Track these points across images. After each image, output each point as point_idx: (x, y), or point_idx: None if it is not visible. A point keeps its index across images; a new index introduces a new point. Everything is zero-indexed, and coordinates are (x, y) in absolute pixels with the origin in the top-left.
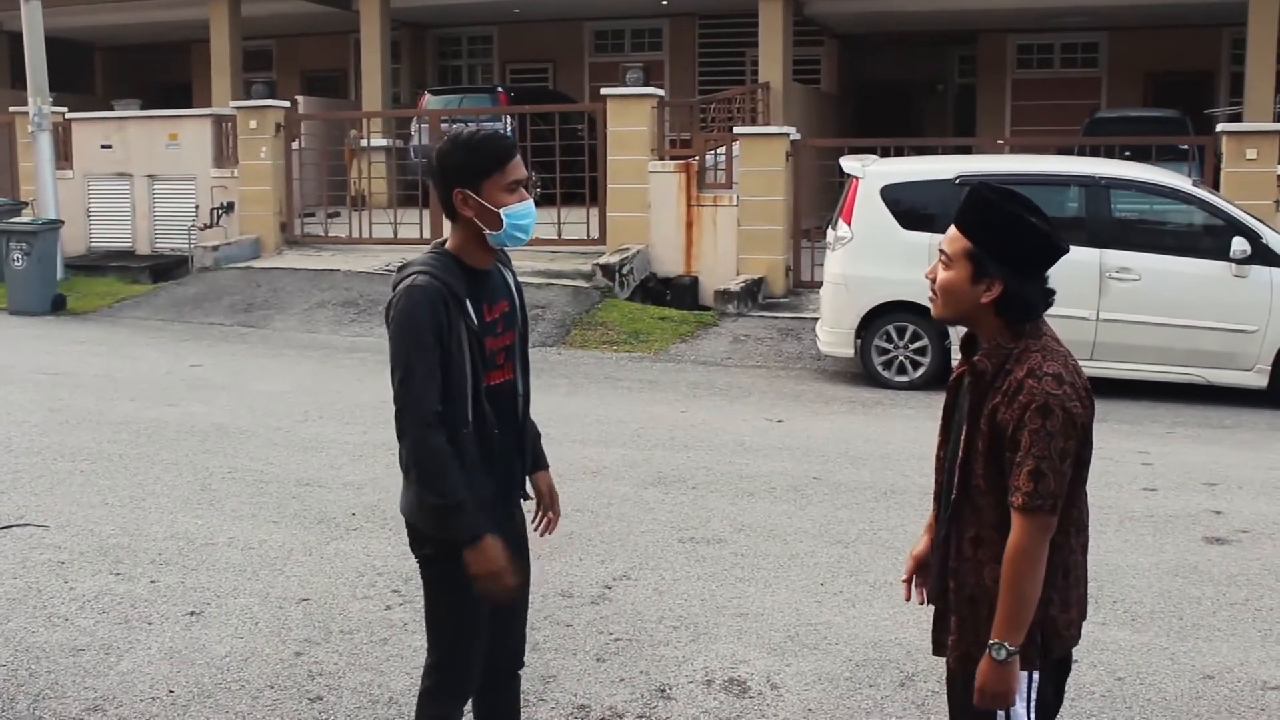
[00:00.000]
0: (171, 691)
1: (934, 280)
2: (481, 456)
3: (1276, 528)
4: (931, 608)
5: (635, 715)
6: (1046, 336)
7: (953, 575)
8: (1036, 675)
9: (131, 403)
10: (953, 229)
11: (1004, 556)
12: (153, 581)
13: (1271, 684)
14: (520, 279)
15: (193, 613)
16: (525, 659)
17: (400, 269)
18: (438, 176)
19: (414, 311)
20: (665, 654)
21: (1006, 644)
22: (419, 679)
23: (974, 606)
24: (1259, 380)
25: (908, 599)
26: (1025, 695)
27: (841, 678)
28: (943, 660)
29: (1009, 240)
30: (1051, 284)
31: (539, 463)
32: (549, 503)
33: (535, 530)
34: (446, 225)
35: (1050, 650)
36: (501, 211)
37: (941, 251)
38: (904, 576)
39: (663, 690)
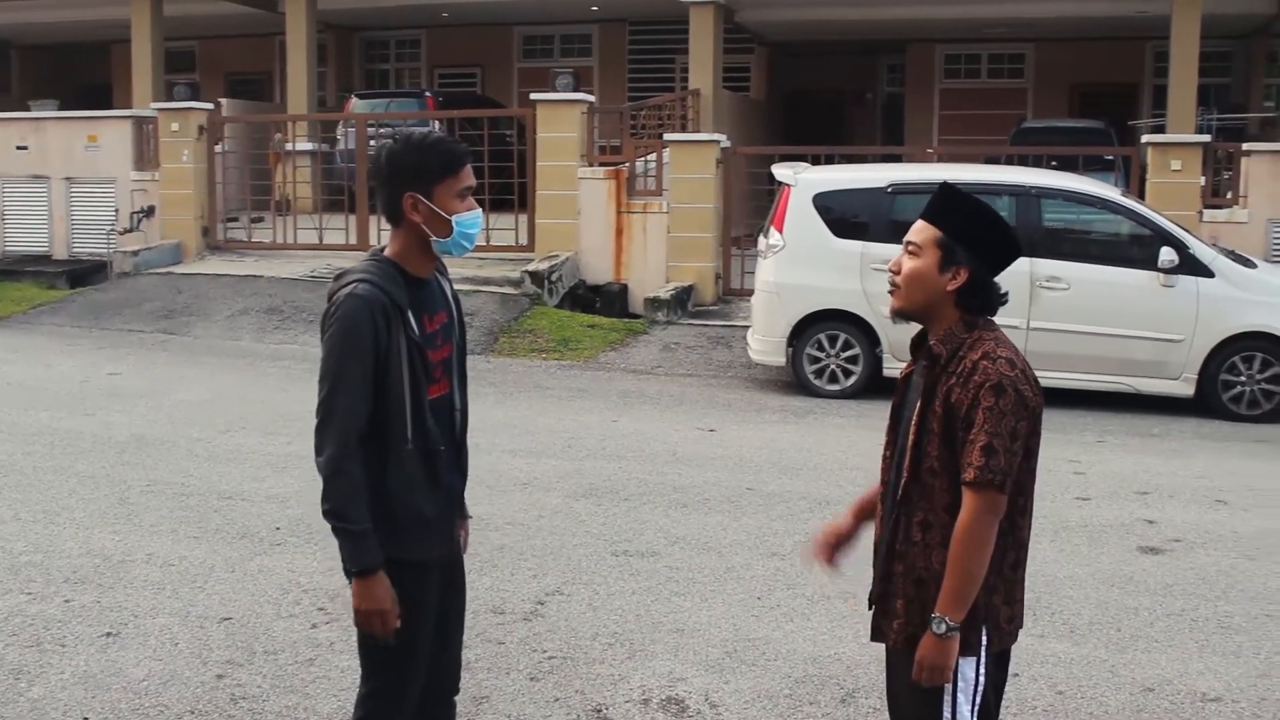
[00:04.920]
0: (86, 718)
1: (897, 272)
2: (425, 474)
3: (1209, 537)
4: (864, 614)
5: None
6: (999, 330)
7: (900, 559)
8: (981, 666)
9: (46, 412)
10: (919, 222)
11: (953, 533)
12: (67, 601)
13: (1211, 695)
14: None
15: (109, 634)
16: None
17: (338, 277)
18: (385, 178)
19: (353, 322)
20: (601, 672)
21: (948, 619)
22: (347, 702)
23: (921, 588)
24: (1186, 389)
25: (816, 559)
26: (970, 689)
27: (781, 695)
28: (883, 677)
29: (978, 229)
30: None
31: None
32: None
33: None
34: (373, 231)
35: (991, 643)
36: (453, 219)
37: (909, 243)
38: (818, 544)
39: (599, 710)
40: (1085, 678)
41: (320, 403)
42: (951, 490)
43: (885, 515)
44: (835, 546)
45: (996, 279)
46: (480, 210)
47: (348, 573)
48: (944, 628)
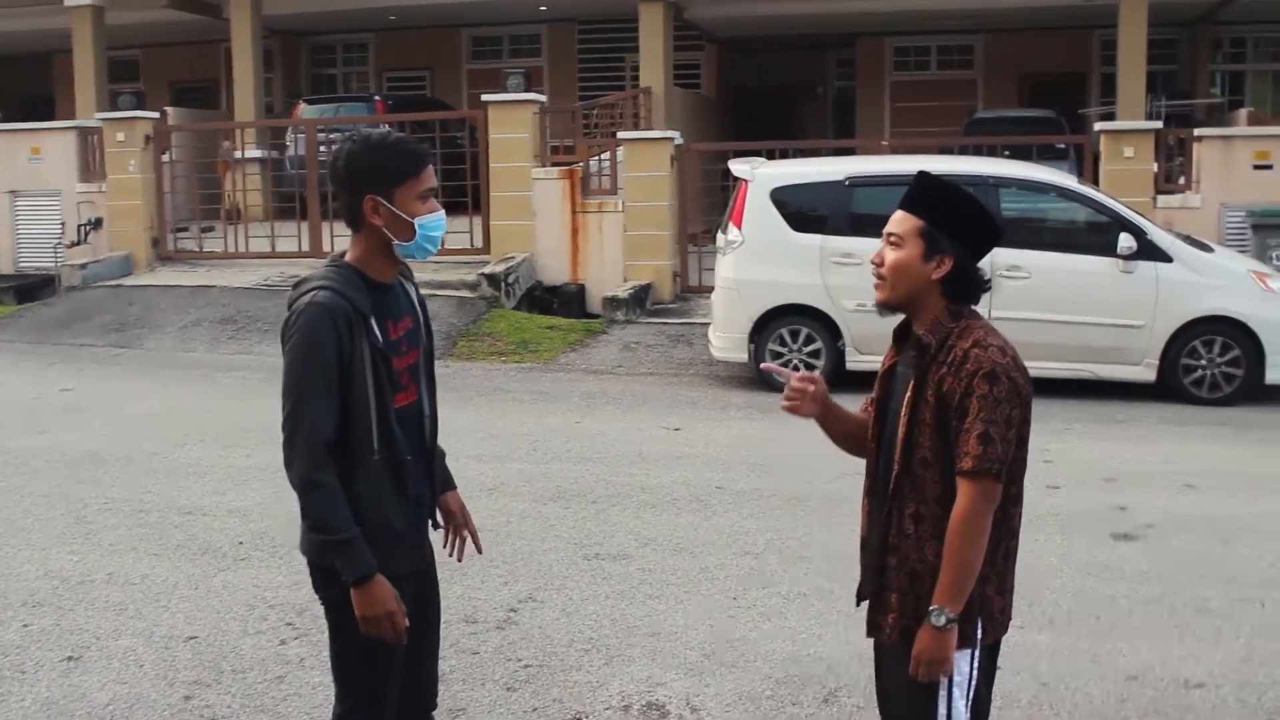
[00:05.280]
0: None
1: (880, 264)
2: (393, 485)
3: (1180, 522)
4: (847, 613)
5: None
6: (984, 319)
7: (893, 552)
8: (976, 659)
9: None
10: (899, 213)
11: (949, 524)
12: (25, 625)
13: (1194, 681)
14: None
15: (70, 658)
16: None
17: (297, 284)
18: (344, 181)
19: (314, 331)
20: (578, 679)
21: (948, 611)
22: None
23: (915, 581)
24: (1148, 374)
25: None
26: (964, 683)
27: (763, 697)
28: (866, 673)
29: (959, 216)
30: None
31: (446, 484)
32: (461, 522)
33: (448, 553)
34: (326, 238)
35: (985, 634)
36: (415, 221)
37: (890, 235)
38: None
39: (578, 719)
40: (1068, 668)
41: (286, 417)
42: (943, 481)
43: (874, 509)
44: (817, 398)
45: (979, 265)
46: (444, 212)
47: (320, 589)
48: (944, 620)
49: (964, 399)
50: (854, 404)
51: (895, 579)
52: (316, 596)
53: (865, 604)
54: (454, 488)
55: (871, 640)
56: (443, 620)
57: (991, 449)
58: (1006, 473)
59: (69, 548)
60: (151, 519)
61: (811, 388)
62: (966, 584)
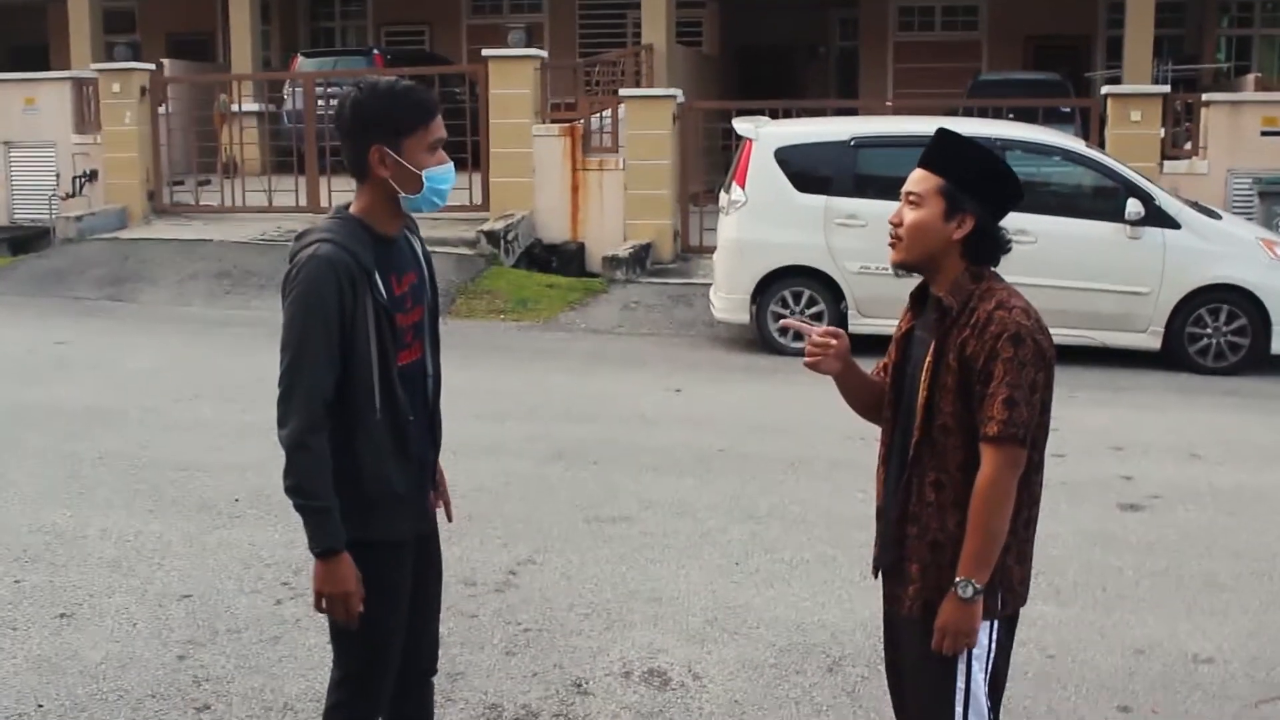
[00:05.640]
0: (41, 706)
1: (898, 225)
2: (394, 446)
3: (1187, 493)
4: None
5: (551, 714)
6: (1005, 281)
7: (913, 522)
8: (995, 630)
9: None
10: (918, 170)
11: (974, 491)
12: (17, 581)
13: (1202, 656)
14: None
15: (63, 615)
16: None
17: (299, 236)
18: (350, 129)
19: (316, 285)
20: (579, 644)
21: (974, 581)
22: (315, 682)
23: (937, 552)
24: (1153, 342)
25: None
26: (984, 655)
27: (766, 665)
28: (870, 642)
29: (982, 174)
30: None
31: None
32: (438, 491)
33: None
34: (324, 192)
35: (1005, 605)
36: (423, 173)
37: (909, 194)
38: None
39: (579, 684)
40: (1075, 640)
41: (283, 373)
42: (965, 448)
43: (890, 478)
44: (840, 354)
45: (1001, 225)
46: (452, 164)
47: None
48: (970, 590)
49: (988, 362)
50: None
51: (915, 549)
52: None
53: (879, 574)
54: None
55: (883, 610)
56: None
57: (1017, 414)
58: (1030, 438)
59: (62, 503)
60: (146, 474)
61: (834, 342)
62: (992, 553)
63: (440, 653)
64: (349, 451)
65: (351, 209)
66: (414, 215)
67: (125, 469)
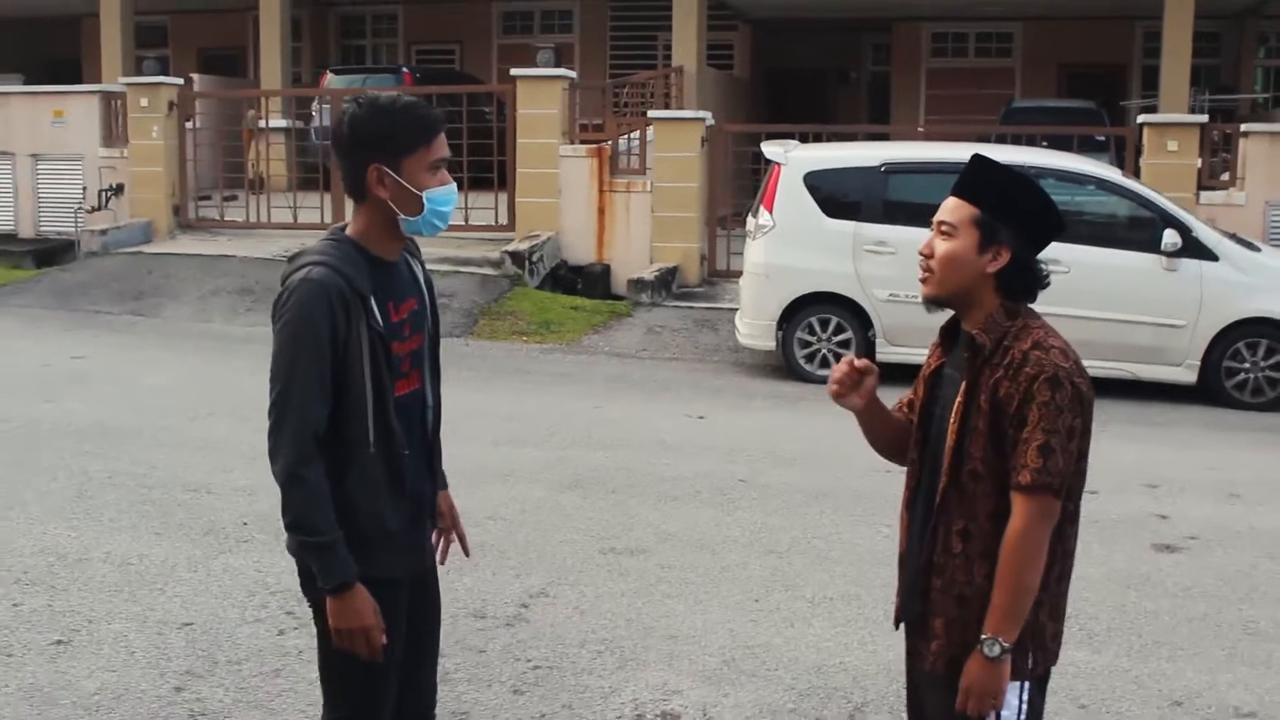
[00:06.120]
0: None
1: (929, 255)
2: (389, 481)
3: (1225, 534)
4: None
5: None
6: (1043, 318)
7: (938, 573)
8: (1025, 691)
9: (4, 399)
10: (952, 199)
11: (1003, 543)
12: (15, 605)
13: (1244, 710)
14: (426, 266)
15: (59, 641)
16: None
17: (292, 258)
18: (348, 147)
19: (308, 310)
20: (589, 684)
21: (1001, 639)
22: (316, 718)
23: (963, 606)
24: (1188, 376)
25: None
26: (1012, 717)
27: (784, 709)
28: (894, 688)
29: (1019, 204)
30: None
31: (438, 482)
32: (450, 523)
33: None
34: (349, 210)
35: (1036, 663)
36: (424, 195)
37: (941, 223)
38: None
39: None
40: (1108, 689)
41: (273, 403)
42: (995, 495)
43: (915, 524)
44: (866, 391)
45: (1039, 258)
46: (455, 185)
47: (308, 592)
48: (998, 649)
49: (1022, 406)
50: (883, 396)
51: (940, 603)
52: (306, 600)
53: (900, 627)
54: (445, 486)
55: (905, 665)
56: (450, 615)
57: (1052, 462)
58: (1066, 488)
59: (68, 523)
60: (155, 495)
61: (863, 377)
62: (1022, 610)
63: (445, 689)
64: (341, 487)
65: (348, 230)
66: (421, 237)
67: (134, 488)
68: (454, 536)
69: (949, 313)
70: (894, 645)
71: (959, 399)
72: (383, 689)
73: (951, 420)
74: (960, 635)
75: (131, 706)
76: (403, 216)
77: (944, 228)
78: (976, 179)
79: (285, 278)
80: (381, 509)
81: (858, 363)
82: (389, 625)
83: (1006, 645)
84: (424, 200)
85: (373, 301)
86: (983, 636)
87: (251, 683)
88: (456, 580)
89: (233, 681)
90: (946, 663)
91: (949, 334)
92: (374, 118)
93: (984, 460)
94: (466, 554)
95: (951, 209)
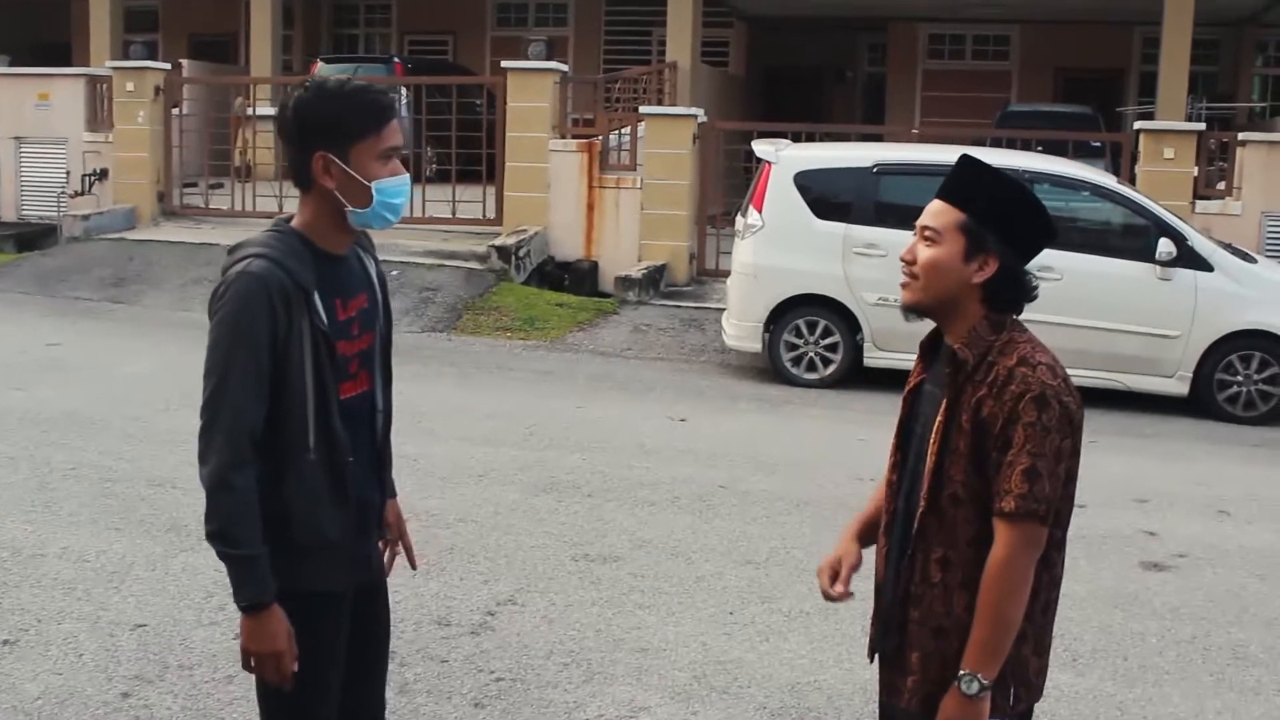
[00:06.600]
0: None
1: (911, 261)
2: (330, 489)
3: (1215, 552)
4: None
5: None
6: (1029, 331)
7: (915, 604)
8: None
9: None
10: (937, 203)
11: (985, 574)
12: None
13: None
14: (410, 259)
15: (5, 641)
16: (390, 703)
17: (232, 250)
18: (293, 133)
19: (246, 305)
20: (554, 698)
21: (980, 676)
22: None
23: (941, 639)
24: (1180, 388)
25: (837, 595)
26: None
27: None
28: (869, 708)
29: (1008, 210)
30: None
31: (386, 490)
32: (397, 534)
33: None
34: None
35: (1018, 699)
36: (373, 185)
37: (925, 228)
38: (827, 579)
39: None
40: (1092, 715)
41: (205, 402)
42: (977, 521)
43: (892, 551)
44: (847, 580)
45: (1028, 268)
46: (407, 175)
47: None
48: (975, 686)
49: (1007, 427)
50: (870, 402)
51: (917, 636)
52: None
53: (874, 659)
54: (394, 495)
55: (878, 700)
56: (414, 621)
57: (1039, 487)
58: (1052, 514)
59: (25, 516)
60: (118, 489)
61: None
62: (1003, 644)
63: (402, 702)
64: (277, 493)
65: (294, 221)
66: (371, 230)
67: (98, 481)
68: (400, 549)
69: (930, 323)
70: (871, 664)
71: (939, 418)
72: (321, 708)
73: (931, 440)
74: (938, 671)
75: (75, 712)
76: (350, 208)
77: (928, 233)
78: (964, 182)
79: (224, 270)
80: (321, 519)
81: (830, 579)
82: (327, 640)
83: (985, 682)
84: (373, 191)
85: (316, 297)
86: (960, 672)
87: (202, 689)
88: (422, 585)
89: (182, 688)
90: (921, 700)
91: (930, 348)
92: (321, 102)
93: (965, 484)
94: (413, 566)
95: (936, 213)
